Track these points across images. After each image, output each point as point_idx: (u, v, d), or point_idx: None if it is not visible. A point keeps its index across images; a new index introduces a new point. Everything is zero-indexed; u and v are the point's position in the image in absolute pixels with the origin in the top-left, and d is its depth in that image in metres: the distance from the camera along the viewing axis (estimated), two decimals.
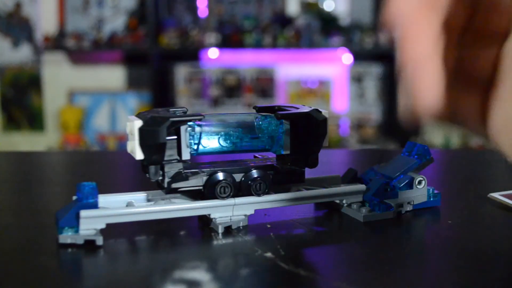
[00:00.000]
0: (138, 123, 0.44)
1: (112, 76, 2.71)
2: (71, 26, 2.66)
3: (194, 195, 0.48)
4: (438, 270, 0.40)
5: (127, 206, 0.47)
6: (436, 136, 2.57)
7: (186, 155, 0.46)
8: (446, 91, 0.25)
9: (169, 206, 0.46)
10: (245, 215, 0.48)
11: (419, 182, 0.53)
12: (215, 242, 0.45)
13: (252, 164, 0.50)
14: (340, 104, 2.68)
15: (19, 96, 2.72)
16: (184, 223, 0.49)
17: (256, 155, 0.52)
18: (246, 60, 2.71)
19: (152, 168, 0.45)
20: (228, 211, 0.48)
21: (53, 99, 2.71)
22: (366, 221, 0.50)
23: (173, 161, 0.46)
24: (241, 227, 0.48)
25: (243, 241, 0.45)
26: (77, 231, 0.44)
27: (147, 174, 0.46)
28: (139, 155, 0.44)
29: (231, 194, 0.47)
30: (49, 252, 0.43)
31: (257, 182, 0.48)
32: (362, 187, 0.53)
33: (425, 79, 0.25)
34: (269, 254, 0.42)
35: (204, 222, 0.49)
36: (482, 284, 0.38)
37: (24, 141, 2.73)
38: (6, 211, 0.56)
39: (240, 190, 0.48)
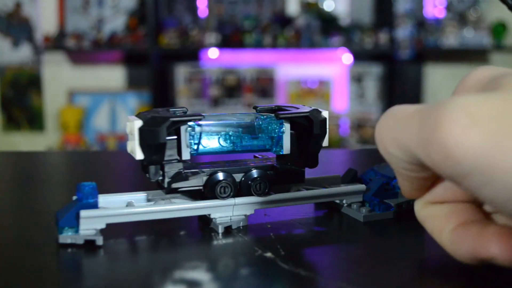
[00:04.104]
0: (138, 123, 0.44)
1: (112, 76, 2.71)
2: (71, 26, 2.66)
3: (194, 195, 0.48)
4: (438, 270, 0.40)
5: (127, 206, 0.47)
6: None
7: (186, 155, 0.46)
8: None
9: (169, 206, 0.46)
10: (245, 215, 0.48)
11: None
12: (215, 242, 0.45)
13: (252, 164, 0.50)
14: (340, 104, 2.68)
15: (19, 96, 2.72)
16: (184, 223, 0.49)
17: (256, 155, 0.52)
18: (246, 60, 2.71)
19: (152, 168, 0.45)
20: (228, 211, 0.47)
21: (53, 99, 2.71)
22: (366, 221, 0.50)
23: (173, 161, 0.46)
24: (241, 227, 0.48)
25: (243, 241, 0.45)
26: (77, 231, 0.44)
27: (147, 174, 0.46)
28: (139, 155, 0.44)
29: (231, 194, 0.47)
30: (49, 252, 0.43)
31: (257, 182, 0.48)
32: (362, 187, 0.53)
33: None
34: (269, 254, 0.42)
35: (204, 222, 0.49)
36: (482, 284, 0.38)
37: (24, 141, 2.73)
38: (6, 211, 0.56)
39: (240, 190, 0.48)
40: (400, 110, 0.26)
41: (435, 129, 0.23)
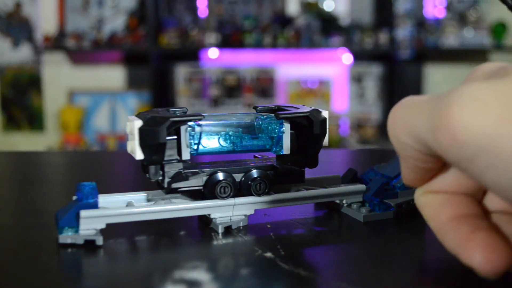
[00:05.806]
0: (138, 123, 0.44)
1: (112, 76, 2.71)
2: (71, 26, 2.66)
3: (194, 195, 0.48)
4: (438, 270, 0.40)
5: (127, 206, 0.47)
6: None
7: (186, 155, 0.46)
8: None
9: (169, 206, 0.46)
10: (245, 215, 0.48)
11: None
12: (215, 242, 0.45)
13: (252, 164, 0.50)
14: (340, 104, 2.68)
15: (19, 96, 2.72)
16: (184, 223, 0.49)
17: (256, 155, 0.53)
18: (246, 60, 2.71)
19: (152, 168, 0.45)
20: (228, 211, 0.48)
21: (53, 99, 2.71)
22: (366, 221, 0.50)
23: (173, 161, 0.46)
24: (241, 227, 0.48)
25: (243, 241, 0.45)
26: (77, 231, 0.44)
27: (147, 174, 0.46)
28: (139, 155, 0.44)
29: (231, 194, 0.47)
30: (49, 252, 0.43)
31: (257, 182, 0.48)
32: (362, 187, 0.53)
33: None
34: (269, 254, 0.42)
35: (204, 222, 0.49)
36: (482, 284, 0.38)
37: (24, 141, 2.74)
38: (6, 211, 0.56)
39: (240, 190, 0.48)
40: (413, 99, 0.28)
41: (444, 114, 0.24)
